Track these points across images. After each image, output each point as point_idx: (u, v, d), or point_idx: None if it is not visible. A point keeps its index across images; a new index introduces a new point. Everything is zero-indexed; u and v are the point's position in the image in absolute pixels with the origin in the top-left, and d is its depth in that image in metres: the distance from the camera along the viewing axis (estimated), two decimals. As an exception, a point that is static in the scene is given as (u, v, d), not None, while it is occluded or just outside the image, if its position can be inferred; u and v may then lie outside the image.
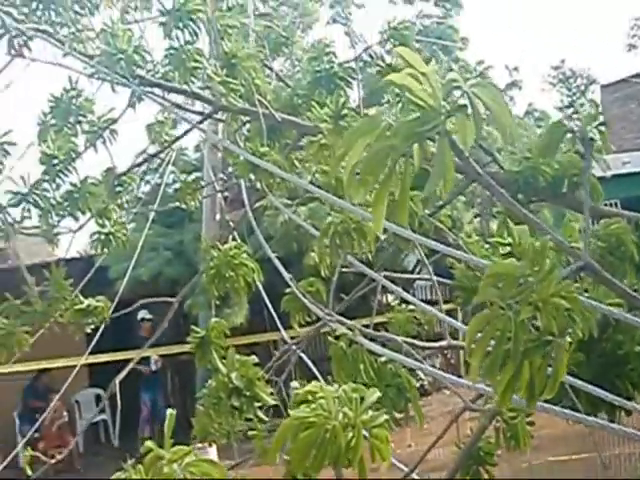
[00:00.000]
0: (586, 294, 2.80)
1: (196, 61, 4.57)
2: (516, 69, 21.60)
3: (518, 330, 1.81)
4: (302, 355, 4.94)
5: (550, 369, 1.91)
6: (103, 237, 5.14)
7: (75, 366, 7.30)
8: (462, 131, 1.94)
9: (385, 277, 4.59)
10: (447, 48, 20.40)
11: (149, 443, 1.90)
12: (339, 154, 2.00)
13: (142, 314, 15.01)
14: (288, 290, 4.94)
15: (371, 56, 7.42)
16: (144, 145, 6.89)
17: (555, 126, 3.25)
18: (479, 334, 1.92)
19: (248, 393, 4.11)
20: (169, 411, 2.03)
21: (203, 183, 7.79)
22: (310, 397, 2.07)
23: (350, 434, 1.98)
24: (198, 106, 5.76)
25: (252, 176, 4.78)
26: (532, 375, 1.86)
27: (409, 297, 4.81)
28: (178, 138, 6.30)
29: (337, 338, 4.26)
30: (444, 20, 21.39)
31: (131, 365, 5.21)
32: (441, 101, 1.93)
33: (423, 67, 1.96)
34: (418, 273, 16.11)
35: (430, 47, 19.64)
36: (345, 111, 4.80)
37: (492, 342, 1.91)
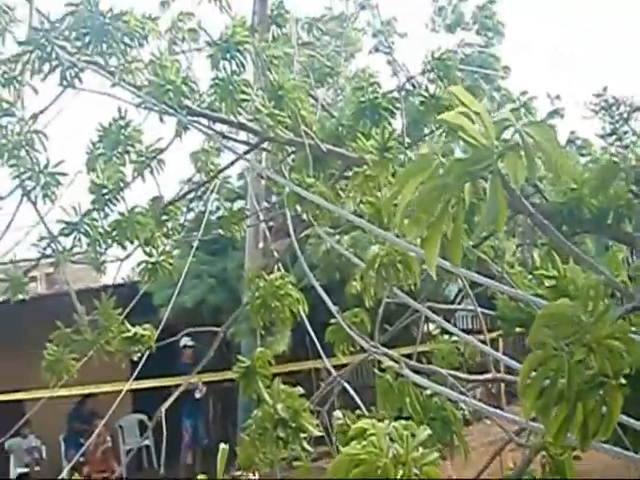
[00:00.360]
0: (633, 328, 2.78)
1: (243, 92, 4.60)
2: (558, 97, 21.48)
3: (572, 371, 1.80)
4: (346, 385, 4.95)
5: (604, 408, 1.90)
6: (150, 266, 5.18)
7: (119, 391, 7.33)
8: (514, 170, 1.95)
9: (428, 308, 4.59)
10: (489, 77, 20.34)
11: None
12: (392, 192, 2.02)
13: (185, 341, 15.07)
14: (333, 321, 4.95)
15: (414, 85, 7.43)
16: (188, 171, 6.95)
17: (607, 166, 3.24)
18: (533, 373, 1.91)
19: (294, 424, 4.12)
20: (222, 446, 2.04)
21: (247, 212, 7.81)
22: (361, 433, 2.07)
23: (401, 471, 1.99)
24: (242, 135, 5.80)
25: (298, 207, 4.79)
26: (586, 416, 1.86)
27: (452, 329, 4.79)
28: (224, 168, 6.35)
29: (382, 370, 4.26)
30: (486, 49, 21.36)
31: (176, 394, 5.24)
32: (494, 140, 1.93)
33: (476, 106, 1.97)
34: (460, 302, 16.06)
35: (472, 76, 19.59)
36: (390, 143, 4.83)
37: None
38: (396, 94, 5.84)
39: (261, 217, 9.04)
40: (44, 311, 12.45)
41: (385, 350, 4.22)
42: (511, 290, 3.58)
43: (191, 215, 14.61)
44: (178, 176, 9.46)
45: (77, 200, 5.04)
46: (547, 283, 4.19)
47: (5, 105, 4.69)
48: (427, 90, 6.32)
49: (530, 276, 4.82)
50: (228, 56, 4.67)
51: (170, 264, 5.17)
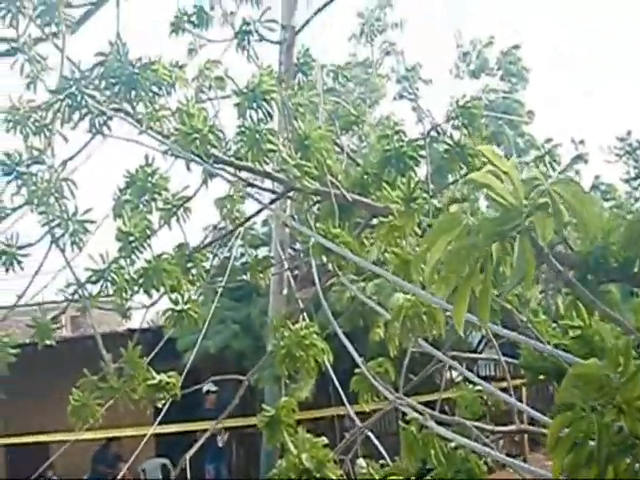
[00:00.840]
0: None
1: (270, 142, 4.63)
2: (582, 142, 21.44)
3: (602, 433, 1.79)
4: (370, 434, 4.93)
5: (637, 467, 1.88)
6: (176, 314, 5.19)
7: (143, 435, 7.34)
8: (542, 228, 1.95)
9: (452, 357, 4.58)
10: (513, 122, 20.37)
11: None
12: (422, 250, 2.02)
13: (208, 386, 15.02)
14: (357, 370, 4.93)
15: (438, 132, 7.45)
16: (212, 216, 6.97)
17: (636, 222, 3.23)
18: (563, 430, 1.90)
19: (318, 475, 4.10)
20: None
21: (272, 261, 7.82)
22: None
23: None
24: (267, 182, 5.82)
25: (324, 257, 4.80)
26: (617, 477, 1.84)
27: (476, 379, 4.78)
28: (249, 218, 6.37)
29: (407, 422, 4.24)
30: (510, 94, 21.39)
31: (201, 442, 5.24)
32: (523, 199, 1.94)
33: (504, 165, 1.99)
34: (483, 348, 15.96)
35: (495, 122, 19.64)
36: (416, 193, 4.84)
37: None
38: (421, 141, 5.85)
39: (285, 265, 9.05)
40: (69, 354, 12.54)
41: (410, 401, 4.20)
42: (538, 345, 3.56)
43: (215, 261, 14.70)
44: (202, 221, 9.49)
45: (103, 244, 5.09)
46: (572, 333, 4.17)
47: (35, 153, 4.76)
48: (452, 138, 6.34)
49: (554, 324, 4.80)
50: (255, 105, 4.70)
51: (196, 312, 5.17)
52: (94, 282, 4.88)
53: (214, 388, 15.31)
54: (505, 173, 1.95)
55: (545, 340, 4.43)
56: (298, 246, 11.36)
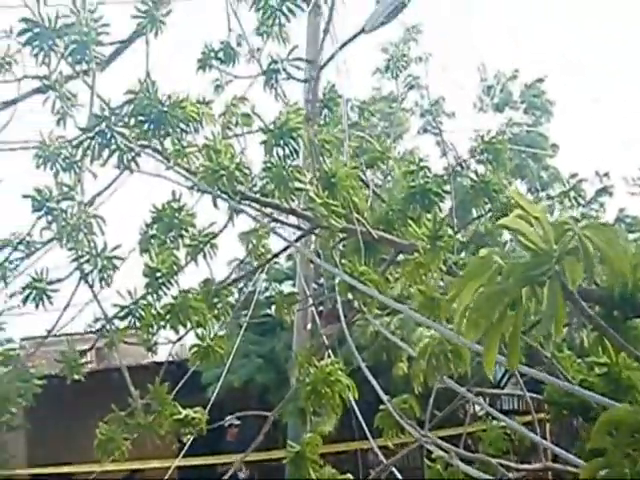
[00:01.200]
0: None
1: (297, 180, 4.65)
2: (606, 175, 21.33)
3: (635, 480, 1.78)
4: (395, 472, 4.92)
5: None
6: (202, 350, 5.21)
7: (165, 467, 7.35)
8: (572, 273, 1.96)
9: (476, 393, 4.57)
10: (536, 155, 20.31)
11: None
12: (451, 296, 2.03)
13: (229, 420, 15.00)
14: (382, 407, 4.93)
15: (461, 166, 7.46)
16: (236, 248, 6.98)
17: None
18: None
19: (343, 511, 4.10)
20: None
21: (298, 297, 7.83)
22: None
23: None
24: (292, 217, 5.84)
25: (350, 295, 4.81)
26: (648, 524, 1.83)
27: (501, 416, 4.76)
28: (275, 255, 6.40)
29: (432, 460, 4.23)
30: (534, 128, 21.34)
31: (226, 477, 5.24)
32: (553, 244, 1.95)
33: (534, 209, 2.00)
34: (507, 382, 15.84)
35: (519, 155, 19.60)
36: (442, 231, 4.86)
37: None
38: (444, 174, 5.87)
39: (310, 301, 9.04)
40: (94, 385, 12.54)
41: (435, 439, 4.19)
42: (564, 384, 3.55)
43: (239, 294, 14.74)
44: (225, 252, 9.50)
45: (129, 276, 5.12)
46: (598, 370, 4.15)
47: (65, 189, 4.81)
48: (477, 174, 6.36)
49: (579, 359, 4.78)
50: (282, 142, 4.73)
51: (222, 348, 5.19)
52: (121, 318, 4.92)
53: (236, 422, 15.26)
54: (535, 218, 1.97)
55: (570, 376, 4.41)
56: (322, 280, 11.37)
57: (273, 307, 6.70)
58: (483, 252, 2.08)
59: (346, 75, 8.06)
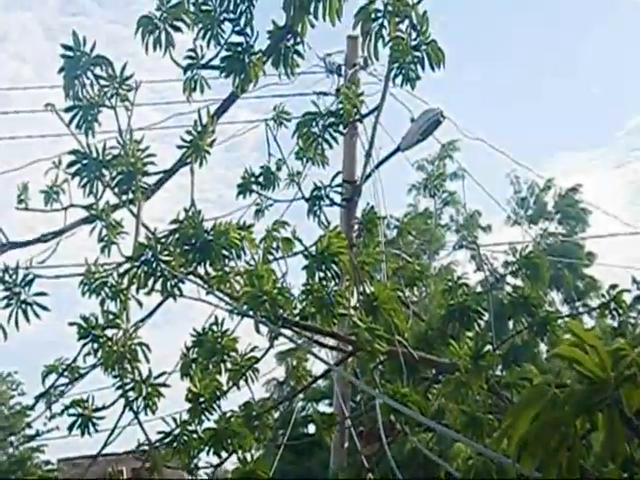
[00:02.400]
0: None
1: (340, 304, 4.69)
2: (644, 282, 21.06)
3: None
4: None
5: None
6: (245, 475, 5.16)
7: None
8: (630, 400, 1.95)
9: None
10: (572, 265, 20.18)
11: None
12: (506, 425, 2.03)
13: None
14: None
15: (497, 280, 7.45)
16: (271, 365, 6.97)
17: None
18: None
19: None
20: None
21: (337, 418, 7.77)
22: None
23: None
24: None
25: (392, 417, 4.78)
26: None
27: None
28: (316, 379, 6.39)
29: None
30: (569, 238, 21.24)
31: None
32: (610, 372, 1.95)
33: (590, 338, 2.00)
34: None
35: (555, 265, 19.51)
36: (484, 350, 4.86)
37: None
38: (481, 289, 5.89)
39: (349, 422, 8.94)
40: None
41: None
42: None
43: (278, 414, 14.65)
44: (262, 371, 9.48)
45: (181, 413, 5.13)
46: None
47: (111, 317, 4.84)
48: (515, 288, 6.37)
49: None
50: (323, 267, 4.77)
51: (264, 472, 5.13)
52: (166, 445, 4.91)
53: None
54: (591, 346, 1.97)
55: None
56: (358, 398, 11.28)
57: (310, 426, 6.66)
58: (537, 380, 2.08)
59: (382, 193, 8.14)
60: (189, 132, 4.87)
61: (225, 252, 4.81)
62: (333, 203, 5.56)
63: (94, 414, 4.92)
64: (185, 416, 5.10)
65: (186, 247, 4.57)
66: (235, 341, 5.28)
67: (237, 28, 4.27)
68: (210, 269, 4.85)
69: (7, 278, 4.66)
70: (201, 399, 5.01)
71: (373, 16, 4.29)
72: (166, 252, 4.48)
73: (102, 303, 4.83)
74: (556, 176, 22.68)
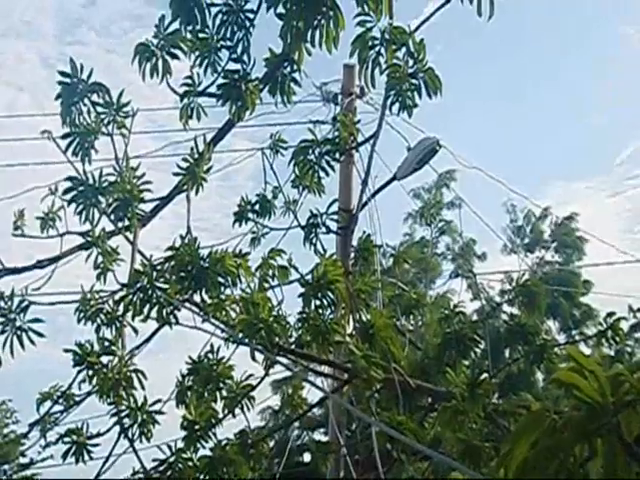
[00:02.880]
0: None
1: (336, 332, 4.67)
2: (640, 310, 21.00)
3: None
4: None
5: None
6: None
7: None
8: (629, 426, 1.94)
9: None
10: (568, 293, 20.15)
11: None
12: (503, 452, 2.02)
13: None
14: None
15: (494, 308, 7.43)
16: (266, 393, 6.94)
17: None
18: None
19: None
20: None
21: (333, 446, 7.74)
22: None
23: None
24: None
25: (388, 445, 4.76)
26: None
27: None
28: (312, 407, 6.37)
29: None
30: (565, 267, 21.22)
31: None
32: (609, 397, 1.94)
33: (590, 363, 1.99)
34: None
35: (551, 293, 19.48)
36: (481, 378, 4.84)
37: None
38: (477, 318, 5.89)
39: (344, 450, 8.90)
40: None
41: None
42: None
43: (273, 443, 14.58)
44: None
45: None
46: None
47: (106, 343, 4.83)
48: (512, 316, 6.37)
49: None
50: (319, 295, 4.76)
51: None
52: (161, 472, 4.87)
53: None
54: (590, 372, 1.96)
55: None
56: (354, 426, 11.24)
57: (306, 455, 6.63)
58: (535, 406, 2.07)
59: (378, 221, 8.15)
60: (185, 159, 4.88)
61: (221, 280, 4.81)
62: (329, 231, 5.58)
63: (89, 441, 4.91)
64: (180, 444, 5.07)
65: (182, 274, 4.57)
66: (231, 369, 5.27)
67: (234, 56, 4.26)
68: (206, 297, 4.84)
69: (2, 304, 4.65)
70: (196, 427, 4.98)
71: (370, 44, 4.29)
72: (162, 279, 4.48)
73: (98, 330, 4.83)
74: (552, 204, 22.74)
